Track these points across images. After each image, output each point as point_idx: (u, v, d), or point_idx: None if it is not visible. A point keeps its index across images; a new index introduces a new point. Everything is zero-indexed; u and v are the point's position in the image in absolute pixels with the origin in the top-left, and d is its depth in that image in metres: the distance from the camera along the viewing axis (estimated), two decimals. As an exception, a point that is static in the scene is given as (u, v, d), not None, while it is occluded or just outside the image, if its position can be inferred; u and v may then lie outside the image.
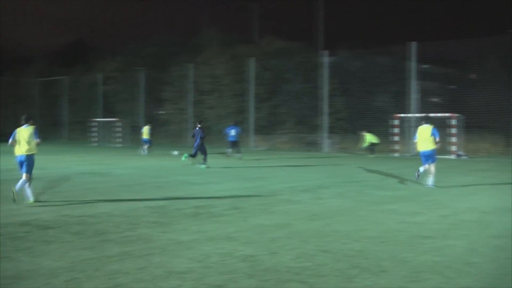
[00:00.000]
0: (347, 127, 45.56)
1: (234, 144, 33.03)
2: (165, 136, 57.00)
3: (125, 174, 21.38)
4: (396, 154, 36.89)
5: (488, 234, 9.93)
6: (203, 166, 25.12)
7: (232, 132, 32.95)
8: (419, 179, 18.45)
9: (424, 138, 18.22)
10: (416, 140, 18.56)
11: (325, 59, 44.37)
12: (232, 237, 9.46)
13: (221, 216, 11.55)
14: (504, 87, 39.62)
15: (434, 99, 49.09)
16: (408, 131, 39.27)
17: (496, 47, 41.17)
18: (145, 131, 37.98)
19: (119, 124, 54.19)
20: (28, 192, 13.68)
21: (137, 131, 57.21)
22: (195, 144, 26.07)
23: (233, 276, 7.07)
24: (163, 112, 58.55)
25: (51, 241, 9.04)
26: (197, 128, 26.45)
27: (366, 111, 44.59)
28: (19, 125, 14.00)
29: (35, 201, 13.53)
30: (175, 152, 37.06)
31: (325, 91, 43.45)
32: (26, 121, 14.11)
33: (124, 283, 6.78)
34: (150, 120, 47.02)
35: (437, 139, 18.32)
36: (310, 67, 49.98)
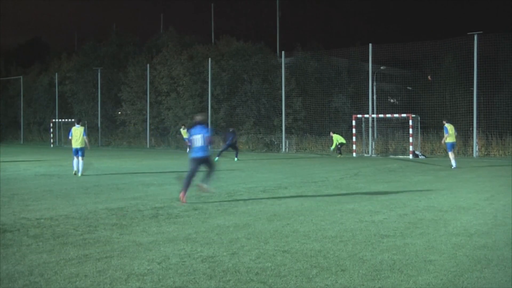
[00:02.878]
0: (305, 128, 45.83)
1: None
2: (123, 137, 56.59)
3: (83, 176, 21.18)
4: (354, 154, 37.16)
5: (446, 232, 10.05)
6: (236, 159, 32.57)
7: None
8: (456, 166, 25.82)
9: (452, 133, 26.04)
10: (448, 135, 25.90)
11: (283, 59, 44.49)
12: (192, 238, 9.44)
13: (180, 217, 11.52)
14: (460, 88, 40.27)
15: (391, 100, 49.63)
16: (366, 131, 39.64)
17: (452, 49, 41.83)
18: (183, 132, 41.30)
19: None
20: (81, 168, 21.48)
21: (95, 132, 56.88)
22: (228, 144, 32.82)
23: (193, 277, 7.06)
24: (120, 113, 58.12)
25: (9, 244, 8.92)
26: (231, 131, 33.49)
27: (324, 112, 44.94)
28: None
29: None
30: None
31: (282, 91, 43.58)
32: (78, 123, 22.09)
33: (84, 286, 6.73)
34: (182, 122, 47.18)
35: (456, 133, 26.88)
36: (268, 67, 50.15)
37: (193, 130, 14.65)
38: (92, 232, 9.95)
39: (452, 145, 26.11)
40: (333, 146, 36.18)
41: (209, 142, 14.51)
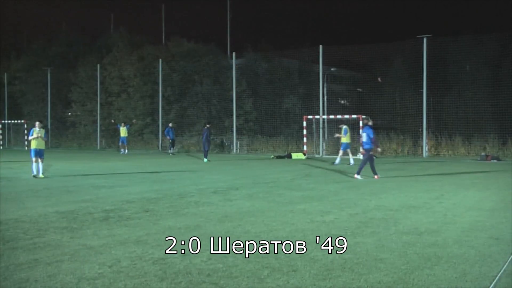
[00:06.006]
0: (256, 129, 45.92)
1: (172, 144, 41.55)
2: (73, 138, 55.94)
3: (33, 179, 20.87)
4: (305, 155, 37.30)
5: (396, 231, 10.19)
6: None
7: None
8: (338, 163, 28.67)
9: (349, 135, 29.31)
10: (345, 136, 28.93)
11: (233, 61, 44.51)
12: (143, 240, 9.39)
13: (131, 220, 11.45)
14: (410, 89, 40.88)
15: (342, 101, 50.04)
16: (316, 132, 39.88)
17: (401, 51, 42.41)
18: (122, 130, 42.62)
19: (26, 126, 52.60)
20: (41, 169, 21.67)
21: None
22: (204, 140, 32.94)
23: (144, 280, 7.03)
24: (71, 113, 57.45)
25: (-44, 249, 8.78)
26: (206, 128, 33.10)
27: (275, 113, 45.07)
28: None
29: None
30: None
31: (233, 92, 43.63)
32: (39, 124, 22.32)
33: (34, 290, 6.68)
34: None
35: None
36: (219, 68, 50.12)
37: (362, 129, 21.30)
38: (42, 236, 9.82)
39: (348, 146, 29.23)
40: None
41: (372, 141, 20.77)
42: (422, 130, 36.85)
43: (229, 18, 67.66)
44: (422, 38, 36.37)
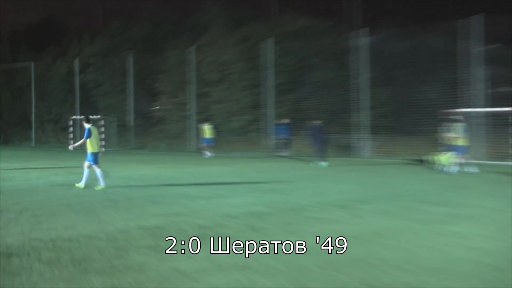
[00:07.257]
0: (392, 126, 45.35)
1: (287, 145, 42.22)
2: (161, 137, 56.98)
3: (111, 186, 21.22)
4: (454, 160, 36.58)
5: None
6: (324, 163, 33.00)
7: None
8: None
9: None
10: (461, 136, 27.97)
11: (362, 40, 44.22)
12: (250, 266, 9.33)
13: (233, 239, 11.40)
14: None
15: (505, 89, 48.89)
16: (470, 129, 39.06)
17: None
18: (206, 130, 43.18)
19: (102, 122, 53.86)
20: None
21: (125, 130, 57.34)
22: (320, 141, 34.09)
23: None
24: (158, 107, 58.53)
25: (16, 273, 8.92)
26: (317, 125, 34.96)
27: (416, 106, 44.38)
28: None
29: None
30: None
31: (362, 80, 43.36)
32: (88, 121, 21.26)
33: (112, 326, 6.65)
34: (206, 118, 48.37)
35: None
36: (342, 50, 49.83)
37: None
38: (122, 256, 9.94)
39: (464, 149, 28.37)
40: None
41: None
42: None
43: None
44: None
